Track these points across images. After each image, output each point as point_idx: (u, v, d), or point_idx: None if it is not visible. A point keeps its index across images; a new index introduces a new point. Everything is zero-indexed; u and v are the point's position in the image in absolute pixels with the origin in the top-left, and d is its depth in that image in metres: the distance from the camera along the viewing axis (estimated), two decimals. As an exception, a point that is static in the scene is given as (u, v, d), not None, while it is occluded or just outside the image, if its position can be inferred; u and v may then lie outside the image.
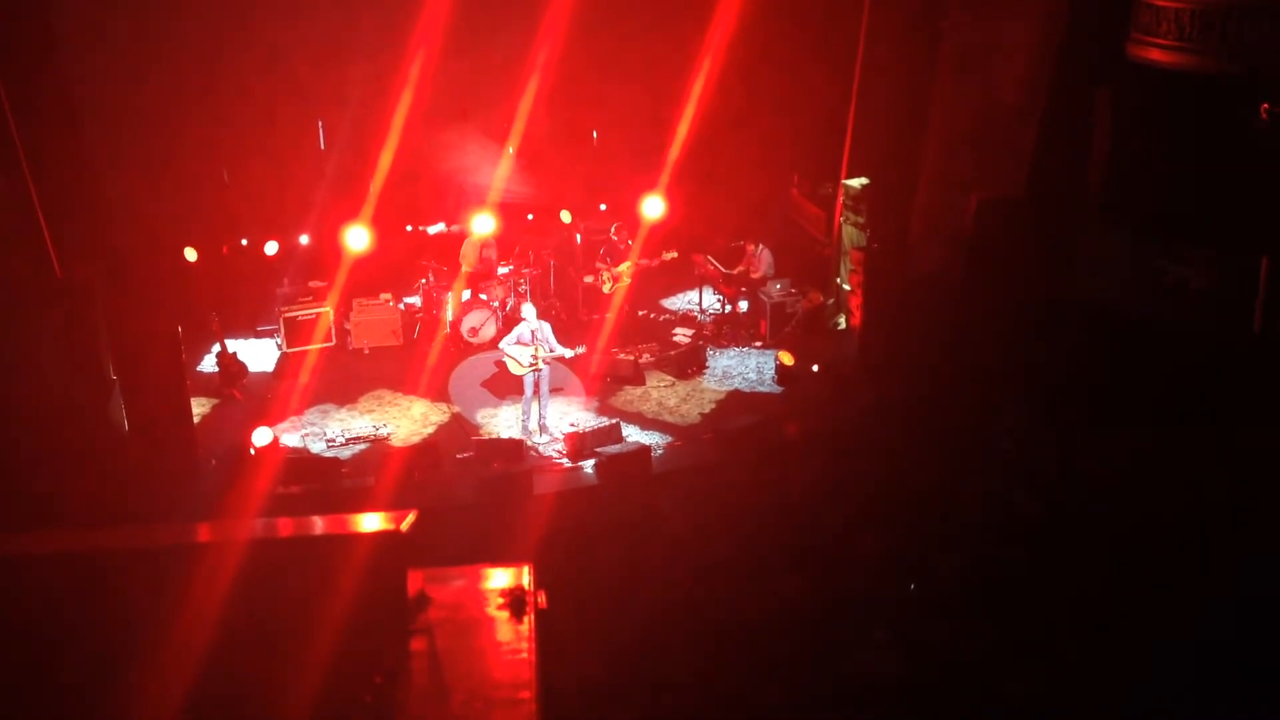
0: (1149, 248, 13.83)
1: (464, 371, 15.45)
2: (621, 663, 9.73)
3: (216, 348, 14.88)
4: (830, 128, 16.52)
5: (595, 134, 18.43)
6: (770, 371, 15.34)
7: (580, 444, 13.14)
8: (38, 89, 12.33)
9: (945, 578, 10.95)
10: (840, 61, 16.01)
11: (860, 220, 15.81)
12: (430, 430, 13.91)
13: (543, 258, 17.02)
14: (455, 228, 17.16)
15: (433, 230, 17.39)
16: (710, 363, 15.73)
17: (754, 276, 16.49)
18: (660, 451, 13.39)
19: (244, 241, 16.66)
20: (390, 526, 5.63)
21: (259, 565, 5.45)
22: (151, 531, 7.53)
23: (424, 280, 16.41)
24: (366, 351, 16.00)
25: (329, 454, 13.21)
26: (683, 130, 16.94)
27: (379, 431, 13.74)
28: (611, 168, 18.45)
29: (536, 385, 13.56)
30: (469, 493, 12.34)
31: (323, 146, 17.10)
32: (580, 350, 13.67)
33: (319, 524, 6.39)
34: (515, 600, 5.79)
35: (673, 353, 15.81)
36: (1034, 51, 13.94)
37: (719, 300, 17.03)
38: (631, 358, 15.49)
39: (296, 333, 15.60)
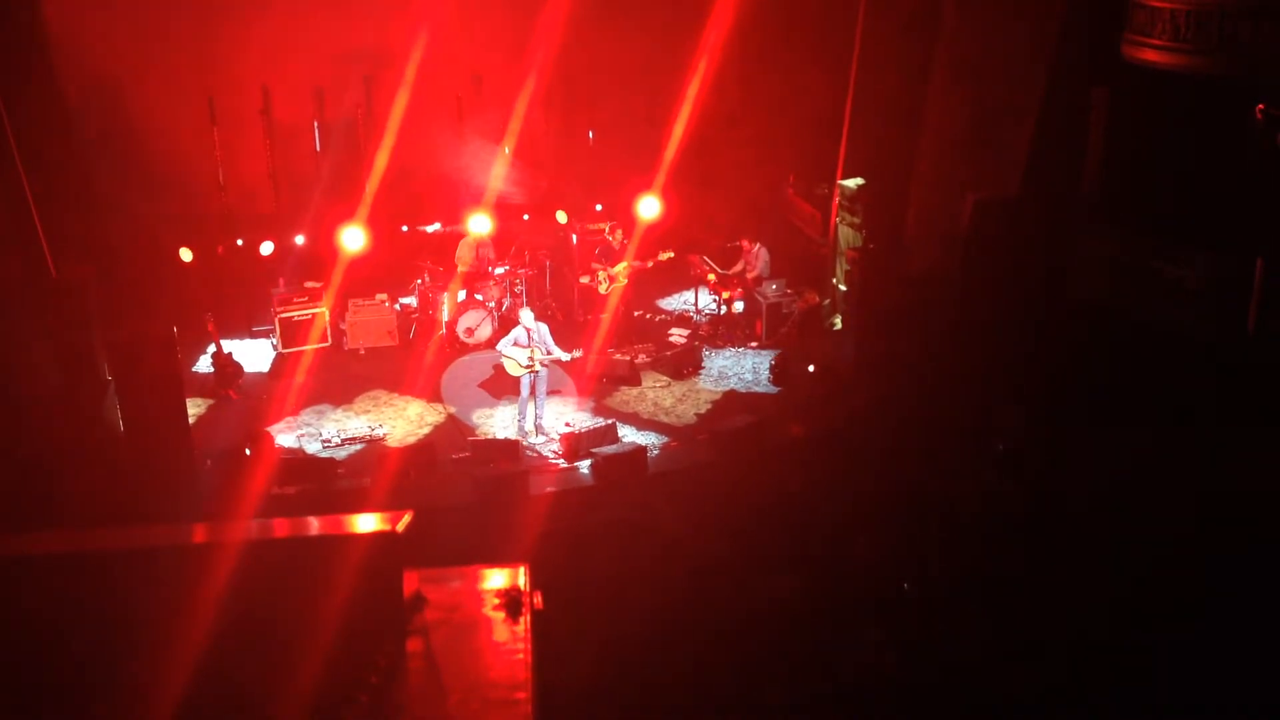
0: (1144, 248, 13.84)
1: (456, 372, 15.44)
2: (617, 663, 9.73)
3: (212, 348, 14.87)
4: (826, 128, 16.53)
5: (591, 134, 18.44)
6: (766, 372, 15.35)
7: (576, 444, 13.14)
8: (33, 89, 12.33)
9: (940, 578, 10.96)
10: (836, 62, 16.02)
11: (856, 220, 15.81)
12: (426, 430, 13.90)
13: (539, 258, 17.01)
14: (451, 228, 17.16)
15: (429, 230, 17.38)
16: (706, 363, 15.74)
17: (750, 276, 16.49)
18: (656, 452, 13.38)
19: (239, 242, 16.66)
20: (386, 527, 5.62)
21: (255, 566, 5.45)
22: (147, 532, 7.51)
23: (420, 281, 16.39)
24: (362, 352, 15.98)
25: (325, 454, 13.19)
26: (679, 131, 16.95)
27: (375, 432, 13.73)
28: (607, 168, 18.46)
29: (533, 386, 13.56)
30: (465, 493, 12.32)
31: (318, 147, 17.09)
32: (577, 354, 13.65)
33: (315, 525, 6.38)
34: (511, 601, 5.79)
35: (668, 353, 15.82)
36: (1029, 52, 13.95)
37: (715, 301, 17.04)
38: (627, 358, 15.49)
39: (292, 333, 15.58)
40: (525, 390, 13.56)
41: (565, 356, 13.59)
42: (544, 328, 13.52)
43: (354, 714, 5.15)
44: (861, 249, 15.23)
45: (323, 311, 15.73)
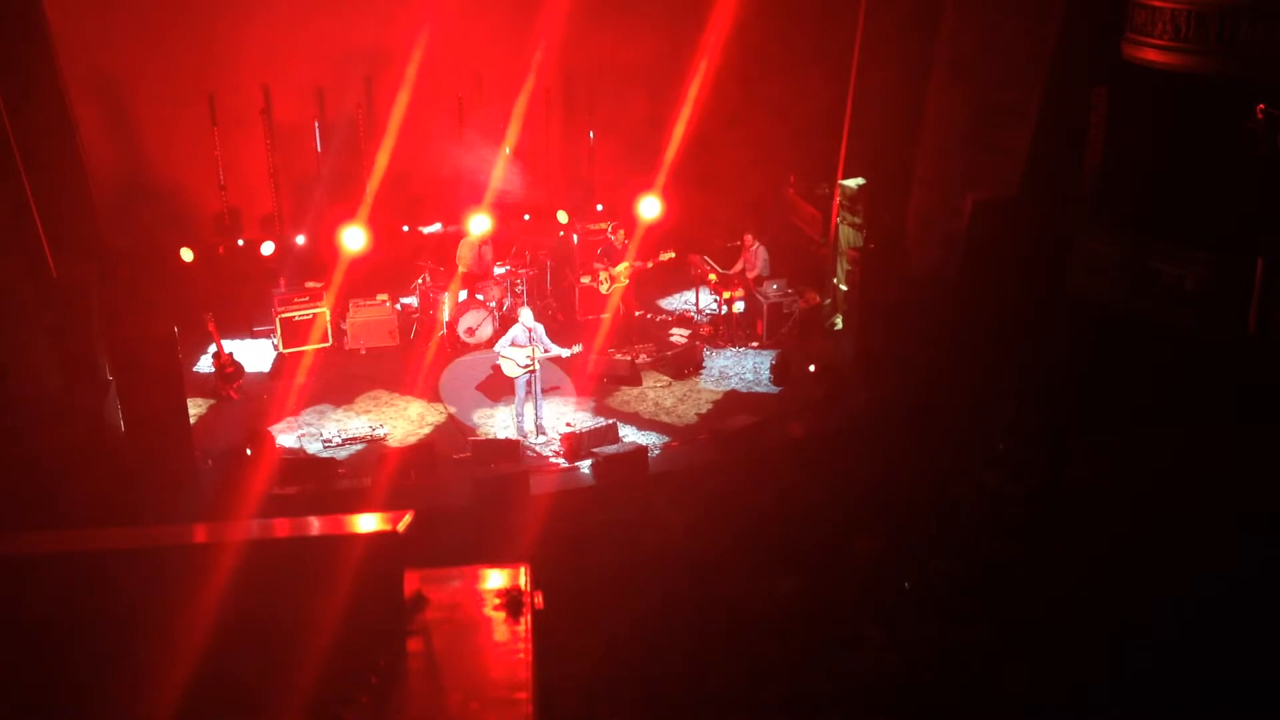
0: (1144, 247, 13.85)
1: (456, 372, 15.45)
2: (618, 662, 9.75)
3: (213, 348, 14.88)
4: (826, 128, 16.53)
5: (591, 134, 18.45)
6: (766, 372, 15.36)
7: (577, 444, 13.14)
8: (33, 89, 12.32)
9: (940, 576, 10.97)
10: (836, 62, 16.03)
11: (857, 220, 15.81)
12: (427, 430, 13.91)
13: (539, 258, 17.02)
14: (452, 228, 17.17)
15: (429, 230, 17.39)
16: (707, 363, 15.74)
17: (750, 276, 16.50)
18: (657, 452, 13.39)
19: (240, 242, 16.68)
20: (387, 527, 5.63)
21: (255, 566, 5.45)
22: (148, 532, 7.52)
23: (420, 280, 16.40)
24: (363, 352, 15.98)
25: (325, 454, 13.20)
26: (679, 131, 16.95)
27: (375, 432, 13.73)
28: (608, 168, 18.46)
29: (530, 386, 13.56)
30: (466, 493, 12.33)
31: (319, 147, 17.09)
32: (577, 349, 13.66)
33: (315, 525, 6.39)
34: (512, 601, 5.80)
35: (669, 353, 15.82)
36: (1029, 51, 13.96)
37: (716, 300, 17.04)
38: (628, 358, 15.50)
39: (293, 333, 15.58)
40: (521, 391, 13.56)
41: (565, 352, 13.61)
42: (540, 328, 13.54)
43: (354, 714, 5.15)
44: (862, 249, 15.24)
45: (323, 311, 15.73)
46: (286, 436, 13.60)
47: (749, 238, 16.58)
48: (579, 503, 12.52)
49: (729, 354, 16.10)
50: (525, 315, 13.53)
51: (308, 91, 16.71)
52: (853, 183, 15.92)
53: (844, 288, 16.19)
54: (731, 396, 14.89)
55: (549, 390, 14.25)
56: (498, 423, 14.07)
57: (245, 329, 16.36)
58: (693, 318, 17.24)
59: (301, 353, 15.54)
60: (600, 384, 15.01)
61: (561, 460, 13.17)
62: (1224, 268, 13.22)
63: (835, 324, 16.54)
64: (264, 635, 5.37)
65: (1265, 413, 11.98)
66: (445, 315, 16.05)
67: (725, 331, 16.52)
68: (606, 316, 16.20)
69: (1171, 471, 11.78)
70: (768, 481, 12.70)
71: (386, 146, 16.40)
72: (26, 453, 10.94)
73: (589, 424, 13.79)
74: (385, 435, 13.70)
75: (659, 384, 15.20)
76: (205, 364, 15.44)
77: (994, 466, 12.48)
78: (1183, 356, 12.75)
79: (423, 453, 12.96)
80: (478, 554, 6.97)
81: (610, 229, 16.69)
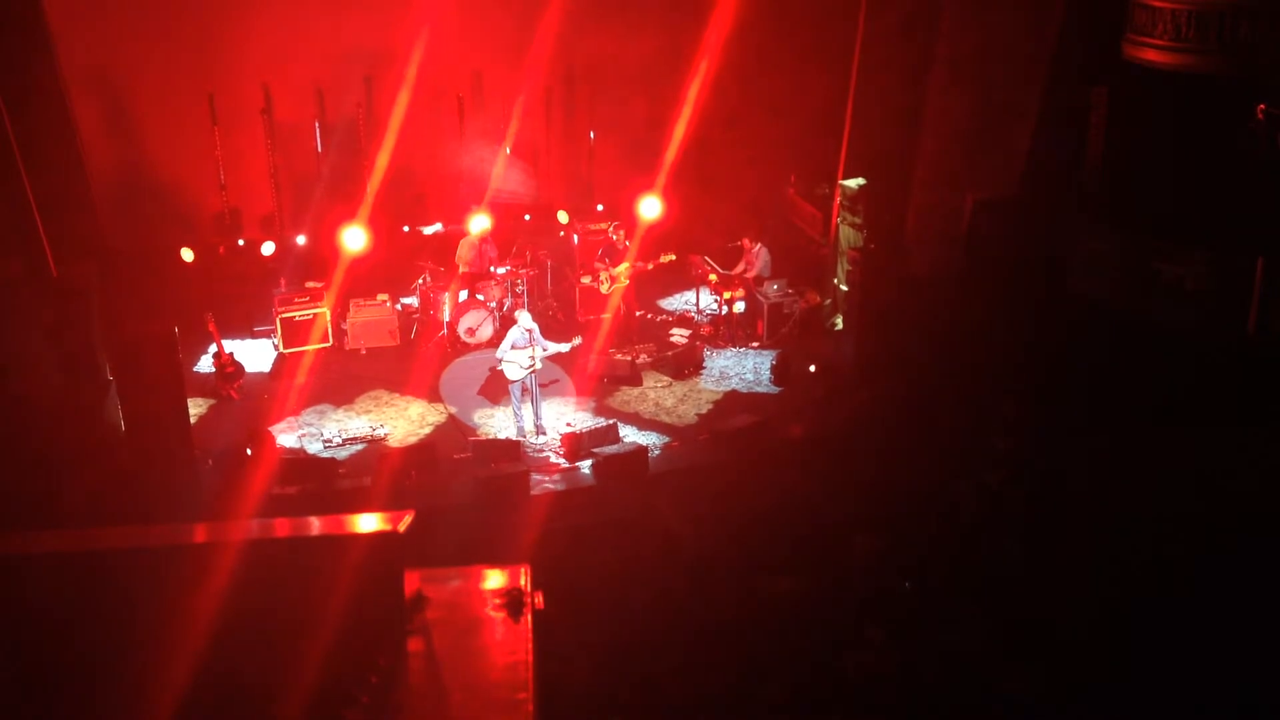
0: (1144, 247, 13.85)
1: (456, 372, 15.44)
2: (618, 663, 9.74)
3: (213, 348, 14.88)
4: (826, 128, 16.52)
5: (592, 134, 18.45)
6: (767, 372, 15.36)
7: (577, 444, 13.14)
8: (34, 89, 12.33)
9: (940, 577, 10.97)
10: (836, 62, 16.01)
11: (857, 220, 15.80)
12: (427, 430, 13.91)
13: (540, 258, 17.03)
14: (452, 228, 17.17)
15: (429, 230, 17.39)
16: (707, 363, 15.74)
17: (750, 276, 16.50)
18: (657, 452, 13.39)
19: (240, 242, 16.68)
20: (387, 527, 5.63)
21: (255, 566, 5.46)
22: (148, 532, 7.52)
23: (421, 281, 16.40)
24: (363, 352, 15.99)
25: (326, 454, 13.20)
26: (680, 131, 16.94)
27: (376, 432, 13.73)
28: (608, 168, 18.46)
29: (525, 386, 13.55)
30: (466, 493, 12.34)
31: (319, 147, 17.10)
32: (577, 341, 13.67)
33: (316, 524, 6.39)
34: (512, 601, 5.80)
35: (670, 353, 15.82)
36: (1029, 51, 13.96)
37: (716, 301, 17.04)
38: (629, 358, 15.50)
39: (293, 333, 15.58)
40: (518, 391, 13.54)
41: (565, 347, 13.64)
42: (536, 327, 13.55)
43: (354, 714, 5.16)
44: (862, 249, 15.23)
45: (324, 311, 15.73)
46: (287, 436, 13.61)
47: (747, 241, 16.57)
48: (579, 503, 12.52)
49: (729, 354, 16.10)
50: (523, 317, 13.54)
51: (308, 91, 16.71)
52: (853, 183, 15.91)
53: (844, 288, 16.18)
54: (732, 396, 14.89)
55: (547, 385, 14.27)
56: (498, 423, 14.07)
57: (245, 329, 16.35)
58: (693, 318, 17.24)
59: (302, 353, 15.54)
60: (600, 384, 15.01)
61: (562, 460, 13.17)
62: (1224, 268, 13.21)
63: (835, 324, 16.54)
64: (264, 635, 5.37)
65: (1265, 413, 11.98)
66: (446, 315, 16.05)
67: (725, 332, 16.52)
68: (607, 316, 16.19)
69: (1171, 471, 11.78)
70: (768, 481, 12.70)
71: (386, 146, 16.39)
72: (27, 452, 10.94)
73: (589, 424, 13.79)
74: (385, 435, 13.70)
75: (659, 384, 15.20)
76: (205, 364, 15.44)
77: (994, 466, 12.47)
78: (1183, 356, 12.75)
79: (423, 452, 12.95)
80: (478, 554, 6.97)
81: (613, 228, 16.68)
